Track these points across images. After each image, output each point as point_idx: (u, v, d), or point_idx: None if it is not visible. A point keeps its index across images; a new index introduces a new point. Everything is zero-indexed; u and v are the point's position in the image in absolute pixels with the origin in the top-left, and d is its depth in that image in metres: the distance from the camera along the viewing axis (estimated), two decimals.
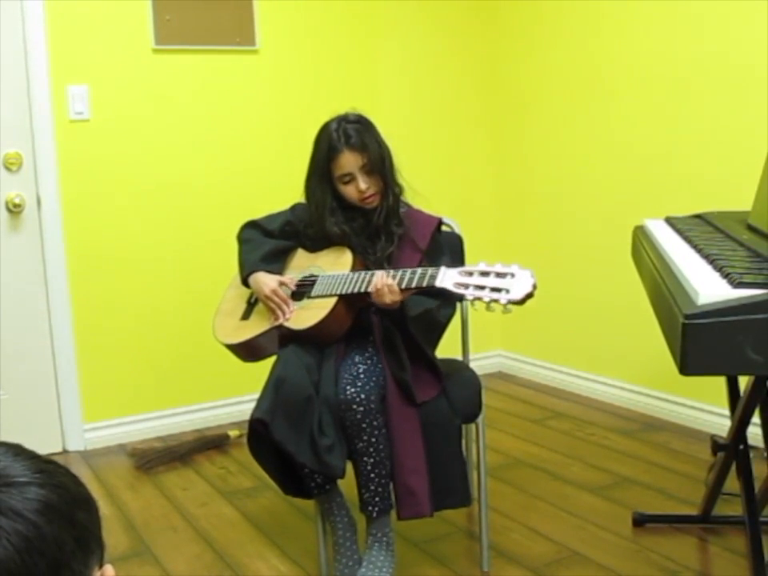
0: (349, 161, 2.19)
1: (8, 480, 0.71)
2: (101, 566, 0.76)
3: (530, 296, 1.83)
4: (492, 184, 4.13)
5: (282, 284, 2.24)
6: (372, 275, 2.07)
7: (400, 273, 2.04)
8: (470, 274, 1.92)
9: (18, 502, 0.69)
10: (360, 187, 2.19)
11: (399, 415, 2.08)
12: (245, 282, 2.31)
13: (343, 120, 2.22)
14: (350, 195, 2.23)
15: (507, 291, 1.84)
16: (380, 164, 2.21)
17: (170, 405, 3.48)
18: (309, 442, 2.01)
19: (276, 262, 2.31)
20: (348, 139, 2.18)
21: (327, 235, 2.25)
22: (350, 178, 2.20)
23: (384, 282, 2.01)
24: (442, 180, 3.89)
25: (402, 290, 2.02)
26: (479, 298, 1.87)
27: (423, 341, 2.16)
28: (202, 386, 3.51)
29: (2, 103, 3.09)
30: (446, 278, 1.95)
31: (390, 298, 2.01)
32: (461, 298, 1.96)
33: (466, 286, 1.90)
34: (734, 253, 1.67)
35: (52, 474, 0.75)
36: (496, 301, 1.84)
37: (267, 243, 2.33)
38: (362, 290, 2.07)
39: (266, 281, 2.24)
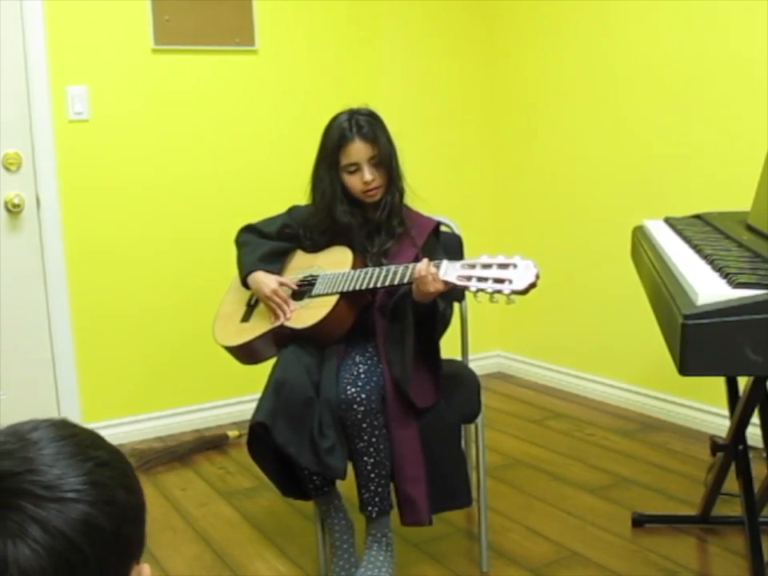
0: (359, 150, 2.18)
1: (57, 494, 0.69)
2: (138, 561, 0.76)
3: (533, 286, 1.84)
4: (491, 184, 4.13)
5: (282, 284, 2.24)
6: (411, 266, 2.03)
7: (401, 267, 2.04)
8: (473, 266, 1.92)
9: (62, 522, 0.68)
10: (365, 178, 2.19)
11: (398, 421, 2.07)
12: (244, 283, 2.31)
13: (355, 113, 2.23)
14: (353, 186, 2.22)
15: (510, 282, 1.84)
16: (388, 159, 2.21)
17: (170, 405, 3.48)
18: (309, 443, 2.01)
19: (275, 262, 2.30)
20: (360, 129, 2.18)
21: (334, 224, 2.24)
22: (356, 168, 2.20)
23: (429, 270, 1.97)
24: (442, 180, 3.89)
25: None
26: (482, 290, 1.87)
27: (437, 339, 2.17)
28: (202, 386, 3.51)
29: (1, 103, 3.09)
30: (449, 271, 1.95)
31: (434, 286, 1.97)
32: (463, 291, 1.96)
33: (469, 278, 1.91)
34: (728, 253, 1.66)
35: (105, 487, 0.72)
36: (499, 292, 1.85)
37: (265, 244, 2.33)
38: (396, 282, 2.03)
39: (265, 281, 2.23)
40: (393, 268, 2.06)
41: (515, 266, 1.86)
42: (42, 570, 0.66)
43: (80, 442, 0.74)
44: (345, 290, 2.12)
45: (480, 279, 1.89)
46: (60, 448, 0.72)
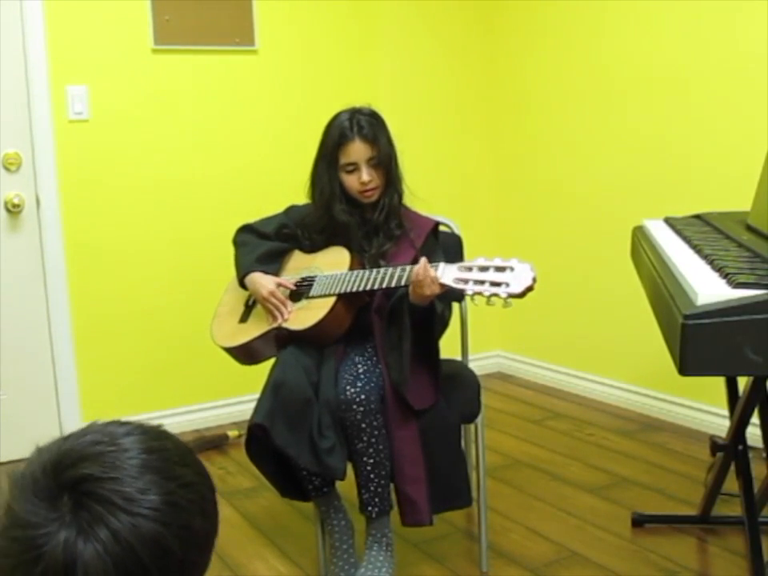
0: (358, 150, 2.18)
1: (135, 508, 0.69)
2: None
3: (530, 289, 1.83)
4: (491, 184, 4.12)
5: (279, 285, 2.24)
6: (409, 269, 2.02)
7: (399, 269, 2.04)
8: (470, 269, 1.92)
9: (133, 536, 0.68)
10: (362, 178, 2.19)
11: (398, 421, 2.07)
12: (242, 284, 2.31)
13: (357, 112, 2.23)
14: (350, 185, 2.22)
15: (507, 285, 1.84)
16: (387, 160, 2.21)
17: (170, 405, 3.47)
18: (309, 444, 2.00)
19: (272, 263, 2.30)
20: (360, 129, 2.18)
21: (332, 222, 2.24)
22: (354, 168, 2.20)
23: (426, 273, 1.96)
24: (442, 180, 3.89)
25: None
26: (479, 293, 1.87)
27: (436, 340, 2.16)
28: (202, 386, 3.51)
29: (1, 103, 3.09)
30: (446, 273, 1.95)
31: (431, 289, 1.96)
32: (461, 293, 1.95)
33: (466, 281, 1.90)
34: (728, 253, 1.67)
35: (183, 510, 0.72)
36: (496, 295, 1.84)
37: (263, 245, 2.32)
38: (394, 284, 2.03)
39: (263, 282, 2.23)
40: (390, 270, 2.06)
41: (512, 269, 1.86)
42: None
43: (168, 458, 0.74)
44: (342, 291, 2.12)
45: (477, 282, 1.88)
46: (148, 461, 0.72)
